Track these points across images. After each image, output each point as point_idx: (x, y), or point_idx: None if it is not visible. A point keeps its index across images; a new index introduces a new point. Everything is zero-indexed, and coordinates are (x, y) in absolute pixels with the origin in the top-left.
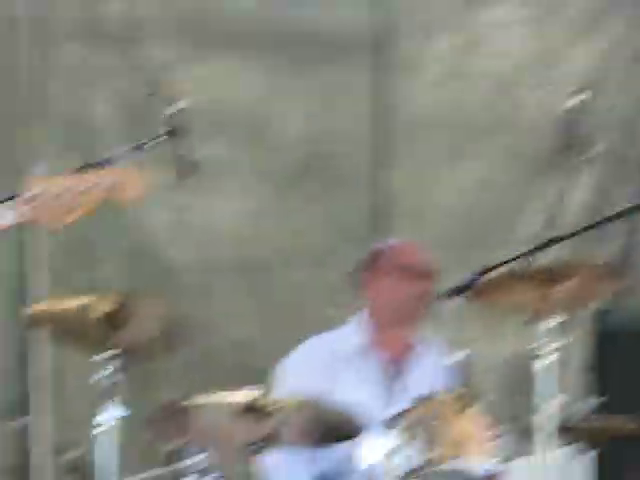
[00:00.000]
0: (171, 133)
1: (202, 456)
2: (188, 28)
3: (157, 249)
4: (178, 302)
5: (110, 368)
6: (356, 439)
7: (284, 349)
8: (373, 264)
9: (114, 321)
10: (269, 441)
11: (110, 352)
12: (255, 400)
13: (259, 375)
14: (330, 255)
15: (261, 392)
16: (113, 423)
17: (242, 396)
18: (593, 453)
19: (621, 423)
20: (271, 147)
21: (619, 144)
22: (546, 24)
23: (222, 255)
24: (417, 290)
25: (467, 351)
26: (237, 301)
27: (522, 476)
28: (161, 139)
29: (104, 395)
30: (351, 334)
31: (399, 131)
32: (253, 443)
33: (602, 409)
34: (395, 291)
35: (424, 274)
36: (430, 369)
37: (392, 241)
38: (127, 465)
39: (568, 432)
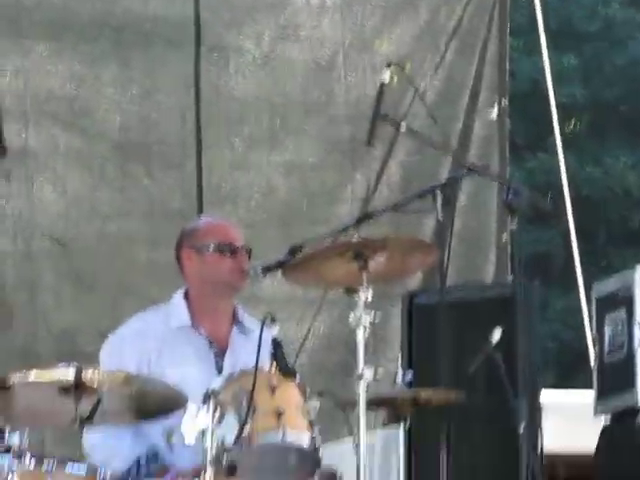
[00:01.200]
0: None
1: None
2: (2, 18)
3: None
4: None
5: None
6: (180, 414)
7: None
8: (188, 242)
9: None
10: (92, 418)
11: None
12: (78, 377)
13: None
14: (156, 236)
15: (78, 369)
16: None
17: (60, 374)
18: (403, 426)
19: (429, 395)
20: (90, 134)
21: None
22: (357, 9)
23: (42, 244)
24: (231, 266)
25: (278, 327)
26: (61, 289)
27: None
28: None
29: None
30: (174, 311)
31: (218, 116)
32: (76, 421)
33: (413, 382)
34: (210, 267)
35: (238, 250)
36: (253, 343)
37: (205, 219)
38: None
39: (379, 404)
